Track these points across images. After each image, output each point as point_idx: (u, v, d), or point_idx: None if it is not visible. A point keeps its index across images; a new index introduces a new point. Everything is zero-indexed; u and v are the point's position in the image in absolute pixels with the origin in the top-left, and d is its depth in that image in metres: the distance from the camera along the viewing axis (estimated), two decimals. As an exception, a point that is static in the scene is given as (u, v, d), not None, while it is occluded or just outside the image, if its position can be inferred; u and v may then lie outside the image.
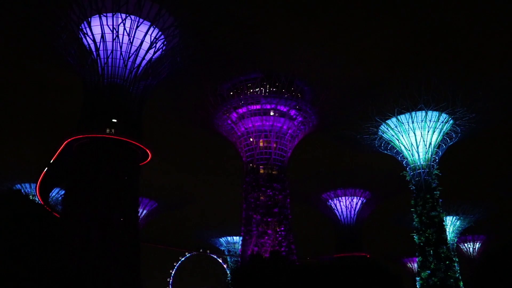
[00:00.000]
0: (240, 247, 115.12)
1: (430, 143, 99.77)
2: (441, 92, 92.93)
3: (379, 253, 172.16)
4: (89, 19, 75.64)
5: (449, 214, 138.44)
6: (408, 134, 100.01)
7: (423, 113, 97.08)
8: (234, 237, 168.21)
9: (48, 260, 40.36)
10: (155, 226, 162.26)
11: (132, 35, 77.20)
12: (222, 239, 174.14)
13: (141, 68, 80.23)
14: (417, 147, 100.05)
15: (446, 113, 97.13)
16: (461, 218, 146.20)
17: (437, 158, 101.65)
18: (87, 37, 77.06)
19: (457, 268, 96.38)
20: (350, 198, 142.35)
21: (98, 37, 76.81)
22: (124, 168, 76.89)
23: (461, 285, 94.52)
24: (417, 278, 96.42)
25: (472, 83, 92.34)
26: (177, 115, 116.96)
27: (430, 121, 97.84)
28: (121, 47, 77.51)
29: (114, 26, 75.98)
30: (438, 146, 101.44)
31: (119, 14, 75.34)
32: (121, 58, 77.97)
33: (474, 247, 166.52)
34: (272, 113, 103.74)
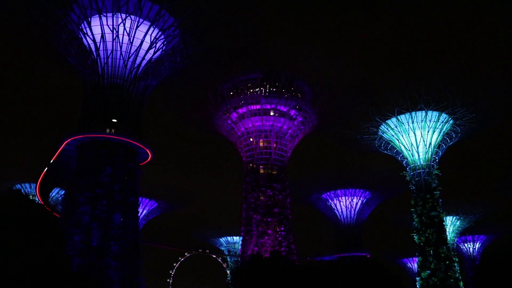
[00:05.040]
0: (240, 247, 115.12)
1: (430, 143, 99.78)
2: (441, 92, 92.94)
3: (379, 253, 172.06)
4: (89, 19, 75.69)
5: (449, 214, 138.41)
6: (408, 134, 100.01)
7: (423, 113, 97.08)
8: (234, 237, 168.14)
9: (48, 260, 40.30)
10: (155, 226, 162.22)
11: (132, 35, 77.23)
12: (222, 239, 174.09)
13: (141, 68, 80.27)
14: (417, 147, 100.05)
15: (446, 113, 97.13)
16: (461, 218, 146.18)
17: (437, 158, 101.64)
18: (87, 37, 77.10)
19: (457, 268, 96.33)
20: (350, 198, 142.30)
21: (98, 37, 76.83)
22: (124, 168, 76.94)
23: (461, 285, 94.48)
24: (417, 278, 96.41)
25: (472, 83, 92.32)
26: (177, 115, 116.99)
27: (430, 121, 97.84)
28: (121, 47, 77.53)
29: (114, 26, 76.02)
30: (438, 146, 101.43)
31: (119, 14, 75.40)
32: (121, 58, 78.00)
33: (474, 247, 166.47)
34: (272, 113, 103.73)
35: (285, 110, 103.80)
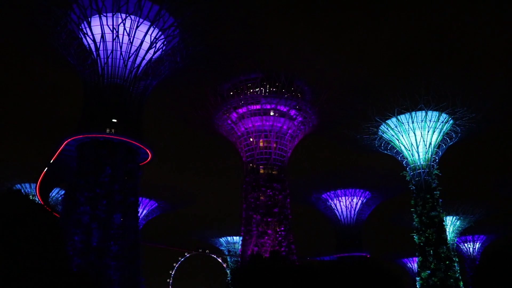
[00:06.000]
0: (240, 247, 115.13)
1: (430, 143, 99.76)
2: (441, 92, 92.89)
3: (379, 253, 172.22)
4: (89, 19, 75.68)
5: (449, 214, 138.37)
6: (408, 134, 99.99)
7: (423, 113, 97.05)
8: (234, 237, 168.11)
9: (48, 260, 40.31)
10: (155, 226, 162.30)
11: (132, 35, 77.23)
12: (222, 239, 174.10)
13: (141, 68, 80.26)
14: (417, 147, 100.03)
15: (446, 113, 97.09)
16: (461, 218, 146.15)
17: (437, 158, 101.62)
18: (87, 37, 77.09)
19: (457, 268, 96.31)
20: (350, 198, 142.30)
21: (98, 37, 76.83)
22: (124, 168, 76.93)
23: (461, 285, 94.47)
24: (417, 278, 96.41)
25: (472, 83, 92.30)
26: (177, 115, 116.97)
27: (430, 121, 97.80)
28: (121, 47, 77.52)
29: (114, 26, 76.01)
30: (438, 146, 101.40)
31: (119, 14, 75.39)
32: (121, 58, 77.99)
33: (474, 247, 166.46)
34: (272, 113, 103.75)
35: (285, 110, 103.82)
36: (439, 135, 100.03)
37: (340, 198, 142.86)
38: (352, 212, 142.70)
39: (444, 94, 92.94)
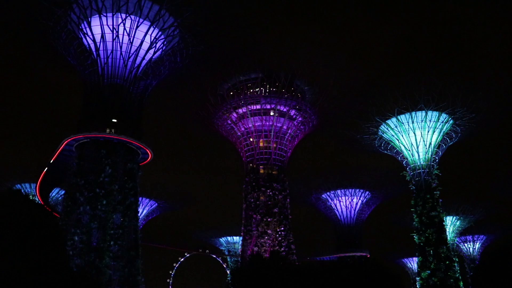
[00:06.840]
0: (240, 247, 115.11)
1: (430, 143, 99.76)
2: (441, 92, 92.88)
3: (379, 253, 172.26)
4: (89, 19, 75.69)
5: (449, 214, 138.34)
6: (408, 134, 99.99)
7: (423, 113, 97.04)
8: (234, 237, 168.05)
9: (48, 260, 40.32)
10: (155, 226, 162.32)
11: (132, 35, 77.25)
12: (222, 239, 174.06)
13: (141, 68, 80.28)
14: (417, 147, 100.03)
15: (446, 113, 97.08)
16: (461, 218, 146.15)
17: (437, 158, 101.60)
18: (87, 37, 77.11)
19: (457, 268, 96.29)
20: (350, 198, 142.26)
21: (98, 37, 76.84)
22: (124, 168, 76.95)
23: (461, 285, 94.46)
24: (417, 278, 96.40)
25: (472, 83, 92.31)
26: (177, 115, 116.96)
27: (430, 121, 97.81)
28: (121, 47, 77.54)
29: (114, 26, 76.03)
30: (438, 146, 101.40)
31: (119, 14, 75.41)
32: (121, 58, 78.01)
33: (474, 247, 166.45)
34: (272, 113, 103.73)
35: (285, 110, 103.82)
36: (439, 135, 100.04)
37: (340, 198, 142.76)
38: (352, 212, 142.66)
39: (444, 94, 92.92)
